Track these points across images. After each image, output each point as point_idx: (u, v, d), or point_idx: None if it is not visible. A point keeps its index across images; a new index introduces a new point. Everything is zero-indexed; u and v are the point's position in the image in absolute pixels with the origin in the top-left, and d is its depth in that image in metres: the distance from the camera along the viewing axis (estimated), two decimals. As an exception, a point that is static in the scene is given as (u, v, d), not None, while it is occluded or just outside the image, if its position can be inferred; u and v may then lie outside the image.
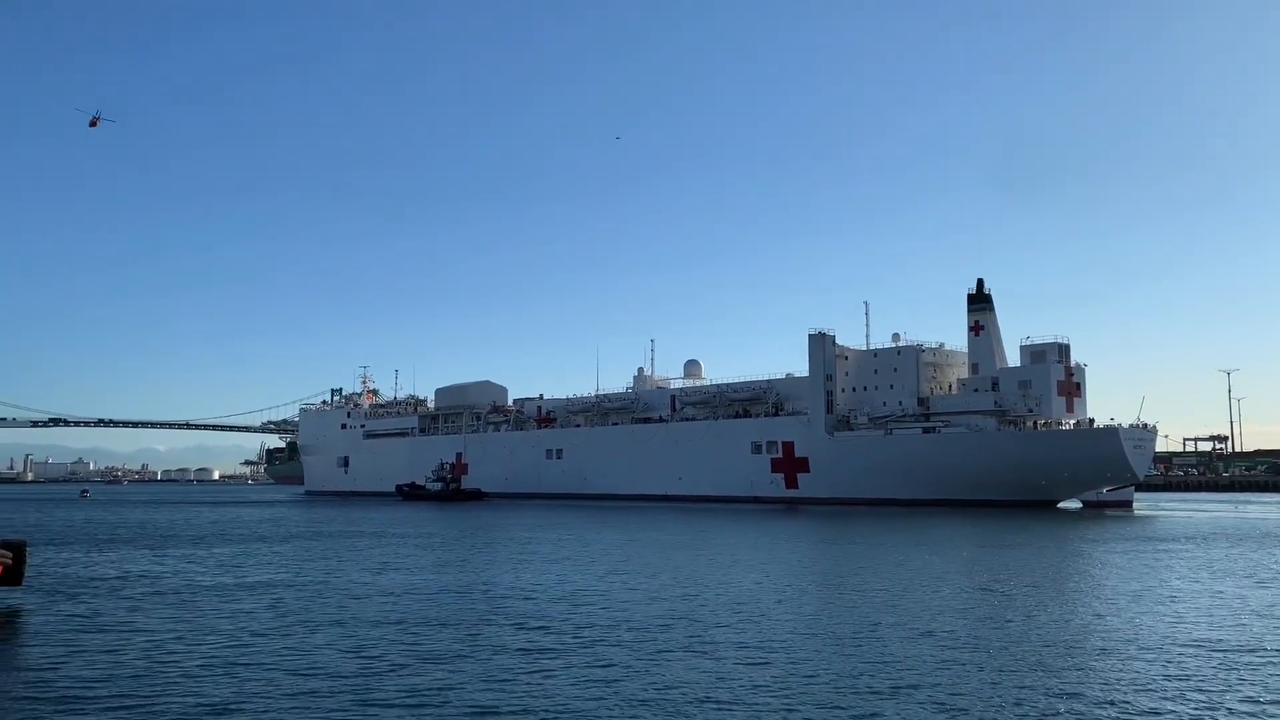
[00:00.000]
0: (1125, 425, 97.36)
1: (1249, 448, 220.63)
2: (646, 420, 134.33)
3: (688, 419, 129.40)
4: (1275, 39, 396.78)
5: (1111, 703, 16.57)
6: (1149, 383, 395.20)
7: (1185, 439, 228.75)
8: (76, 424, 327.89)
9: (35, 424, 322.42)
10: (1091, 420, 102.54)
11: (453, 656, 20.81)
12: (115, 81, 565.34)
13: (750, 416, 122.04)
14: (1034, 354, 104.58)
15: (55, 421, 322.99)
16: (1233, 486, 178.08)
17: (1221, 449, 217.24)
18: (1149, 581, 34.77)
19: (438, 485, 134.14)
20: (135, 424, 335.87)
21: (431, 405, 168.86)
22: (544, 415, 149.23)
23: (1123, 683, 18.13)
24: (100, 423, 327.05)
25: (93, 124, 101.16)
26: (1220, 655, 20.79)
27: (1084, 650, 21.37)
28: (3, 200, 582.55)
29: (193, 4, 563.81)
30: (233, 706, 16.51)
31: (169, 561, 43.79)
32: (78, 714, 16.05)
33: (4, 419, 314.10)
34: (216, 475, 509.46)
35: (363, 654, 21.11)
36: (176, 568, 40.78)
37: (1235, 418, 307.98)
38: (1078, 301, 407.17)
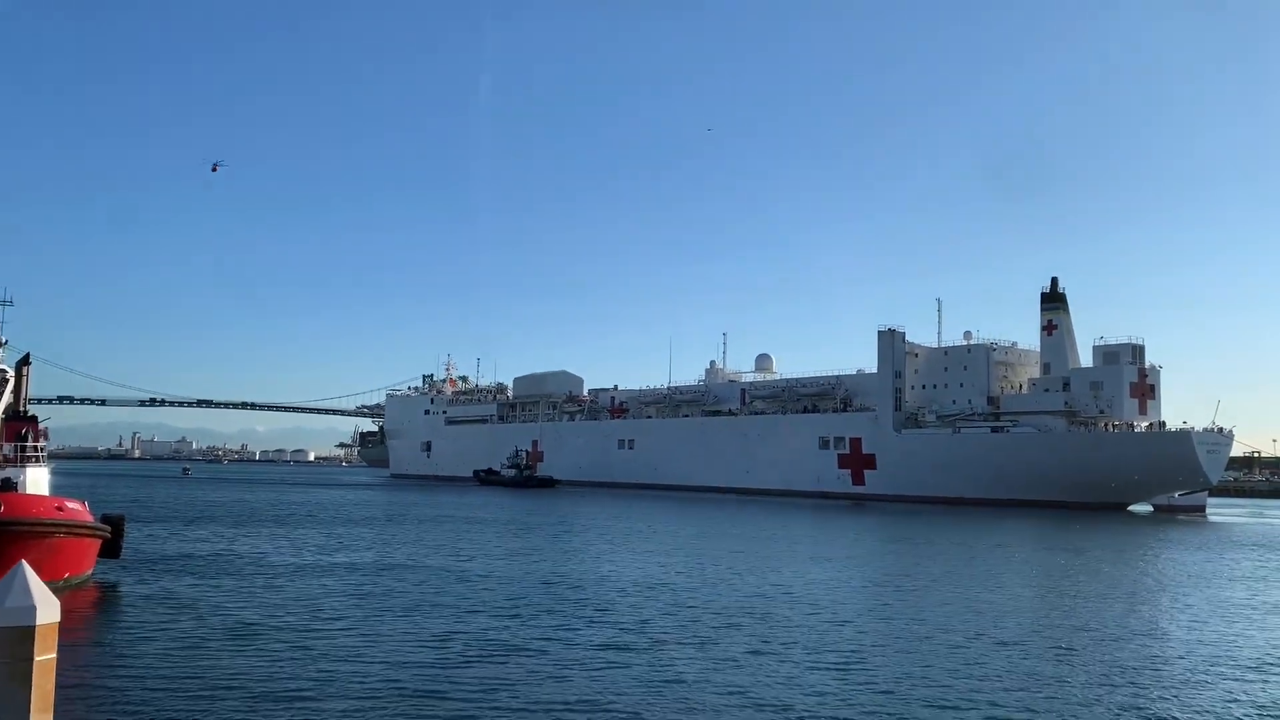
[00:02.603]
0: (1199, 429, 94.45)
1: None
2: (716, 413, 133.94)
3: (757, 412, 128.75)
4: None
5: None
6: (1242, 386, 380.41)
7: None
8: (179, 404, 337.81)
9: (142, 403, 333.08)
10: (1164, 423, 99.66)
11: (522, 648, 20.70)
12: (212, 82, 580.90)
13: (819, 411, 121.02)
14: (1107, 355, 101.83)
15: (158, 401, 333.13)
16: None
17: None
18: (1210, 591, 33.76)
19: (512, 472, 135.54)
20: (235, 405, 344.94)
21: (510, 393, 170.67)
22: (617, 406, 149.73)
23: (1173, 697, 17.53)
24: (200, 403, 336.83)
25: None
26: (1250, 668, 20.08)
27: (1129, 664, 20.72)
28: (113, 187, 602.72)
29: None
30: (305, 688, 16.57)
31: (258, 540, 44.93)
32: (162, 683, 16.61)
33: (112, 399, 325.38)
34: (312, 456, 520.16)
35: (434, 641, 21.11)
36: (265, 547, 41.84)
37: None
38: (1157, 302, 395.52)
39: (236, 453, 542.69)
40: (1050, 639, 22.95)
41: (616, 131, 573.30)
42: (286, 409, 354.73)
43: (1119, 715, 16.09)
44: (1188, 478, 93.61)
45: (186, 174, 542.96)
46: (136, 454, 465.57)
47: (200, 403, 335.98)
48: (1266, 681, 18.90)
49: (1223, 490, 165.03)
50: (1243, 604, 30.13)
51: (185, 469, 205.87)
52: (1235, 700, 17.32)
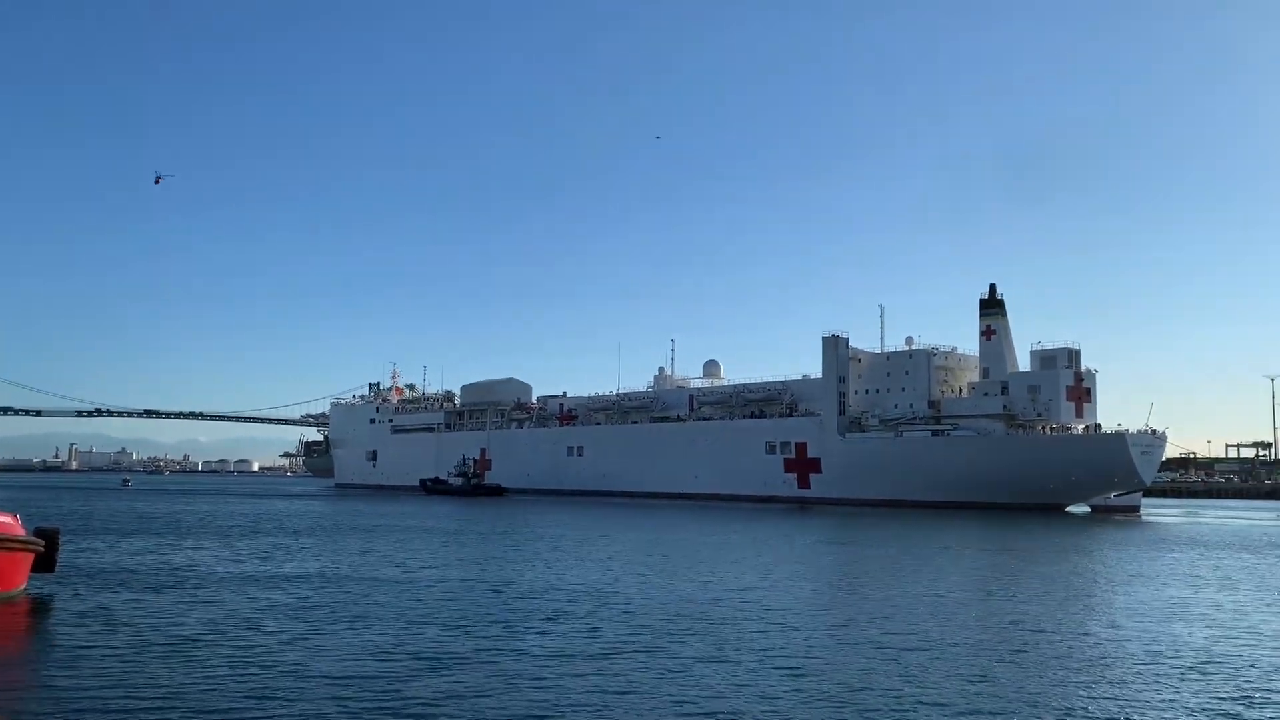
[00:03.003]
0: (1134, 431, 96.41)
1: None
2: (665, 419, 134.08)
3: (705, 419, 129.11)
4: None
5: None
6: (1176, 390, 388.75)
7: (1228, 445, 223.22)
8: (119, 414, 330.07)
9: (80, 414, 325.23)
10: (1099, 426, 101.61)
11: (470, 659, 20.19)
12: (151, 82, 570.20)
13: (766, 417, 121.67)
14: (1044, 359, 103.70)
15: (98, 411, 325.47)
16: (1275, 494, 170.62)
17: (1265, 456, 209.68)
18: (1151, 590, 34.29)
19: (459, 480, 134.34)
20: (177, 415, 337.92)
21: (458, 401, 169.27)
22: (566, 413, 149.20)
23: (1086, 692, 17.59)
24: (143, 413, 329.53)
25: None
26: (1177, 662, 20.12)
27: (1076, 663, 20.80)
28: (49, 195, 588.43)
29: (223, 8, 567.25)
30: (245, 704, 15.91)
31: (199, 552, 43.80)
32: (96, 701, 15.96)
33: (48, 409, 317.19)
34: (256, 467, 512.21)
35: (380, 654, 20.55)
36: (206, 559, 40.82)
37: (1278, 424, 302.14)
38: (1095, 307, 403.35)
39: (178, 464, 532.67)
40: (999, 640, 23.03)
41: (564, 138, 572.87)
42: (231, 419, 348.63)
43: (1066, 715, 16.13)
44: (1123, 479, 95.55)
45: (130, 182, 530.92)
46: (74, 466, 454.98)
47: (146, 413, 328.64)
48: (1209, 679, 19.12)
49: (1159, 491, 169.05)
50: (1183, 602, 30.61)
51: (125, 480, 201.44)
52: (1177, 697, 17.48)
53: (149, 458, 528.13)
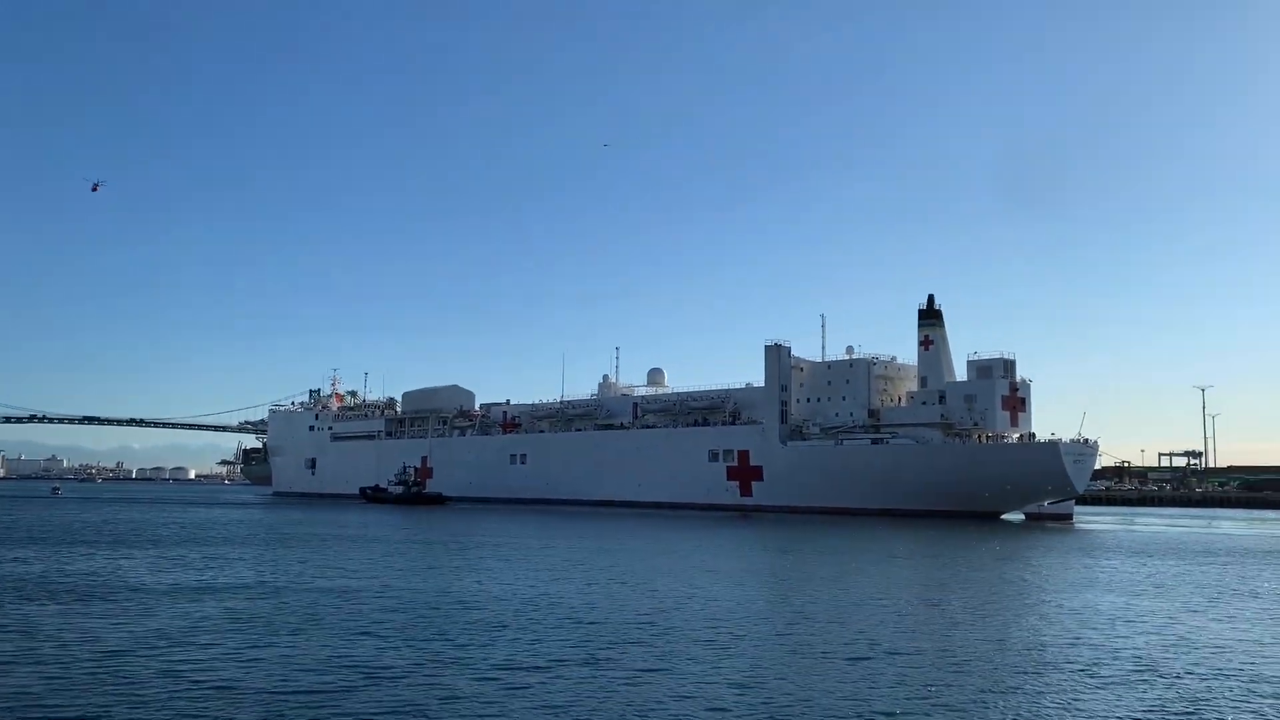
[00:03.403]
0: (1066, 440, 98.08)
1: (1223, 464, 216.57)
2: (609, 427, 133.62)
3: (649, 427, 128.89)
4: (1215, 48, 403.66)
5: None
6: (1120, 400, 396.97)
7: (1160, 454, 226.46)
8: (50, 420, 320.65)
9: (9, 419, 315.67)
10: (1033, 434, 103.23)
11: (412, 671, 19.58)
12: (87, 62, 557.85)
13: (709, 425, 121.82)
14: (980, 369, 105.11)
15: (34, 418, 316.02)
16: (1205, 502, 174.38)
17: (1196, 465, 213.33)
18: (1089, 596, 34.70)
19: (400, 489, 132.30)
20: (110, 421, 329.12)
21: (399, 409, 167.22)
22: (509, 420, 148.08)
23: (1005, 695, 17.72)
24: (76, 420, 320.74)
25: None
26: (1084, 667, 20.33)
27: (1020, 670, 20.81)
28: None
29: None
30: (184, 711, 15.62)
31: (131, 562, 42.30)
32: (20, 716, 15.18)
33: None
34: (192, 474, 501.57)
35: (317, 667, 19.86)
36: (138, 569, 39.46)
37: (1210, 434, 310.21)
38: (1031, 317, 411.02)
39: (112, 471, 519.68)
40: (943, 649, 23.02)
41: (511, 146, 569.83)
42: (171, 425, 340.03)
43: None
44: (1056, 487, 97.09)
45: (62, 185, 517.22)
46: (1, 473, 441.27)
47: (79, 419, 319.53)
48: (1148, 685, 19.22)
49: (1094, 499, 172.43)
50: (1122, 608, 30.96)
51: (55, 488, 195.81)
52: (1120, 703, 17.52)
53: (81, 465, 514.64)
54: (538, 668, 20.03)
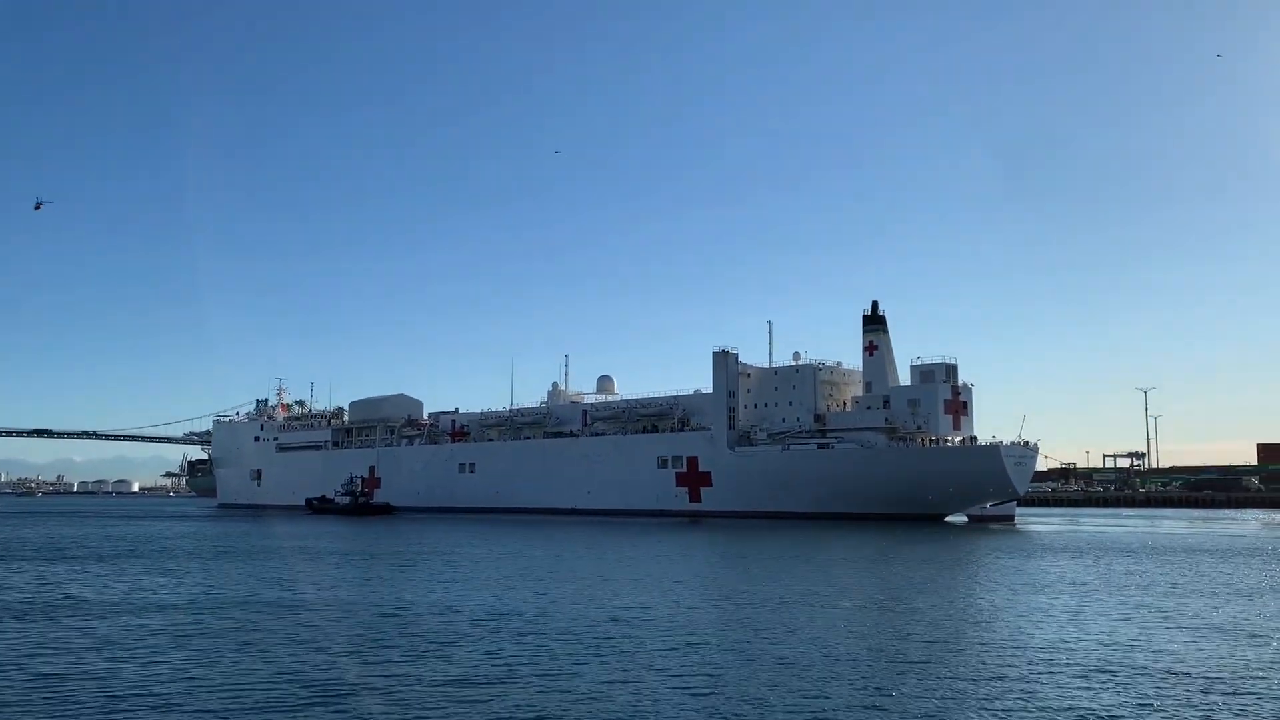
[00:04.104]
0: (1007, 443, 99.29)
1: (1165, 464, 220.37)
2: (559, 434, 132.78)
3: (598, 434, 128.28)
4: (1169, 47, 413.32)
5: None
6: (1065, 403, 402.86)
7: (1105, 456, 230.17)
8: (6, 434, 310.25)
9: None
10: (975, 438, 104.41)
11: (364, 686, 18.93)
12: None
13: (658, 432, 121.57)
14: (923, 374, 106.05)
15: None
16: (1149, 502, 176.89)
17: (1139, 466, 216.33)
18: (1040, 597, 34.93)
19: (346, 499, 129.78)
20: (46, 433, 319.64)
21: (346, 418, 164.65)
22: (458, 429, 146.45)
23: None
24: (9, 433, 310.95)
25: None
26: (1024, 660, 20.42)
27: (975, 671, 20.75)
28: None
29: None
30: None
31: (69, 579, 40.83)
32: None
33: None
34: (136, 487, 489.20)
35: (264, 684, 19.08)
36: (77, 586, 38.06)
37: (1152, 435, 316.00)
38: (976, 323, 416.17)
39: (51, 484, 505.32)
40: (899, 651, 22.85)
41: (458, 150, 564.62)
42: (116, 438, 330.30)
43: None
44: (997, 489, 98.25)
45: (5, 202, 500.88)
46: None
47: (25, 433, 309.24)
48: (1106, 685, 19.17)
49: (1041, 500, 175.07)
50: (1074, 610, 31.13)
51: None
52: (1077, 704, 17.43)
53: (18, 479, 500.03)
54: (493, 680, 19.47)
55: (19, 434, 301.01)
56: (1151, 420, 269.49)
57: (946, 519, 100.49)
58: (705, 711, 16.85)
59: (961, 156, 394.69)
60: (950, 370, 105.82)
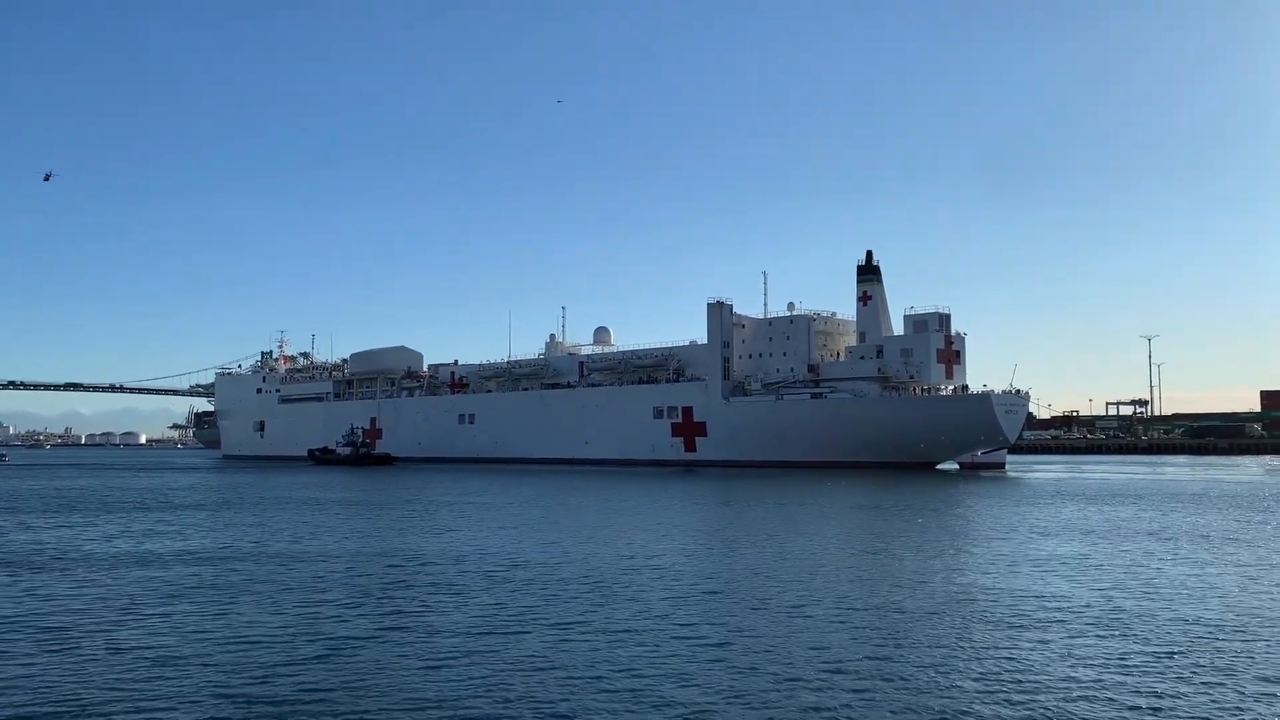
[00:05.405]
0: (998, 392, 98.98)
1: (1168, 412, 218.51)
2: (556, 386, 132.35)
3: (595, 385, 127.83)
4: (1171, 30, 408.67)
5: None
6: (1069, 351, 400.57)
7: (1108, 403, 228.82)
8: (19, 386, 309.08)
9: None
10: (966, 387, 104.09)
11: (371, 638, 18.37)
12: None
13: (654, 383, 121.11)
14: (917, 323, 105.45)
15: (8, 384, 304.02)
16: (1151, 449, 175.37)
17: (1142, 413, 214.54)
18: (1042, 544, 34.54)
19: (348, 450, 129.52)
20: (56, 386, 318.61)
21: (347, 370, 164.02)
22: (457, 380, 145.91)
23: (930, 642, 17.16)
24: (13, 385, 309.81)
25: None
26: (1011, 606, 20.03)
27: (976, 621, 20.30)
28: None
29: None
30: (124, 694, 14.14)
31: (77, 531, 40.24)
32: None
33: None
34: (143, 439, 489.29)
35: (271, 637, 18.56)
36: (84, 538, 37.50)
37: (1155, 383, 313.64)
38: (973, 273, 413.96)
39: (60, 437, 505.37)
40: (911, 602, 22.41)
41: (454, 98, 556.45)
42: (124, 390, 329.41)
43: (983, 678, 15.36)
44: (988, 437, 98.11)
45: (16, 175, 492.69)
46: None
47: (16, 384, 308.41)
48: (1117, 634, 18.72)
49: (1044, 448, 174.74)
50: (1080, 555, 30.75)
51: (1, 455, 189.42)
52: (1092, 654, 16.96)
53: (27, 431, 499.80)
54: (506, 631, 18.93)
55: (17, 386, 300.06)
56: (1155, 368, 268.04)
57: (938, 467, 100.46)
58: (722, 665, 16.33)
59: (960, 105, 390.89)
60: (944, 320, 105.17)
